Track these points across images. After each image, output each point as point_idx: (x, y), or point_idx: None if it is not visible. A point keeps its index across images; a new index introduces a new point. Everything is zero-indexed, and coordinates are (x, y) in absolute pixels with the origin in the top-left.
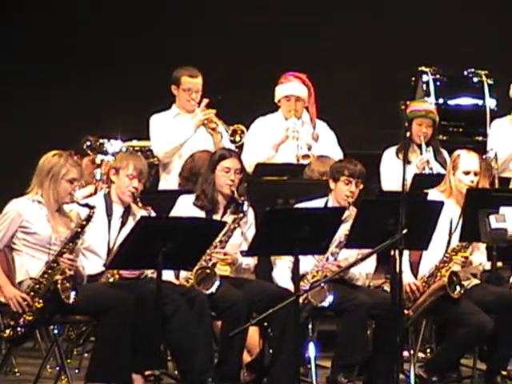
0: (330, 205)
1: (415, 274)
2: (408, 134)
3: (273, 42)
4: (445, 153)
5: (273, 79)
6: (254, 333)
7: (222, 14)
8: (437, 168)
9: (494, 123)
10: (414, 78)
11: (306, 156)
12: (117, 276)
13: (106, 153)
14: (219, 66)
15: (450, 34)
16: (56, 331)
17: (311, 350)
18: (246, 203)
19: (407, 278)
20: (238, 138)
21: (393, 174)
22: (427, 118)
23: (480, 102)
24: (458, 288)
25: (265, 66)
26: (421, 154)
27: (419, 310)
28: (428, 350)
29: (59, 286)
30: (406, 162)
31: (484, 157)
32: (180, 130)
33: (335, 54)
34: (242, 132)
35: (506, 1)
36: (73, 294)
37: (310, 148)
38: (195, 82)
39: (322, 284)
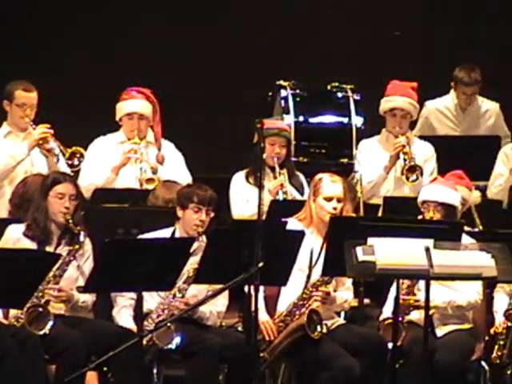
0: (177, 235)
1: (271, 312)
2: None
3: (118, 54)
4: (301, 176)
5: (116, 95)
6: (92, 378)
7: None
8: (291, 192)
9: (362, 144)
10: (270, 94)
11: (150, 180)
12: None
13: None
14: (57, 81)
15: (311, 44)
16: None
17: None
18: (82, 233)
19: (262, 316)
20: (76, 162)
21: (243, 200)
22: (280, 136)
23: (345, 120)
24: (318, 328)
25: (109, 81)
26: (274, 177)
27: (276, 352)
28: None
29: None
30: (261, 186)
31: (348, 179)
32: (11, 151)
33: (183, 67)
34: (81, 155)
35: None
36: None
37: (155, 171)
38: (30, 97)
39: (169, 324)
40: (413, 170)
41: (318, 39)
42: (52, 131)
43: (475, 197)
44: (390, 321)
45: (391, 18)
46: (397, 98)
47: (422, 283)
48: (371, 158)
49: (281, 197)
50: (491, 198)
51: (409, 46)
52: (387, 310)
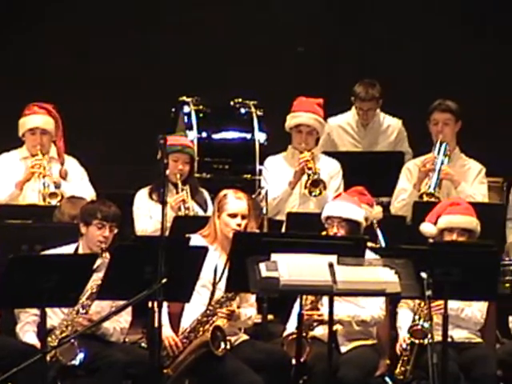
0: (80, 251)
1: (175, 328)
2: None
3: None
4: (205, 192)
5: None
6: None
7: None
8: (194, 208)
9: (268, 160)
10: (174, 110)
11: (53, 194)
12: None
13: None
14: None
15: (216, 59)
16: None
17: None
18: None
19: (166, 332)
20: None
21: (146, 216)
22: (183, 153)
23: (248, 136)
24: (222, 344)
25: (11, 95)
26: (177, 193)
27: (180, 368)
28: None
29: None
30: (164, 202)
31: (253, 196)
32: None
33: (85, 81)
34: None
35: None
36: None
37: (57, 186)
38: None
39: (72, 340)
40: (316, 184)
41: (222, 55)
42: None
43: (377, 212)
44: (293, 336)
45: (296, 34)
46: (302, 114)
47: (325, 298)
48: (277, 175)
49: (183, 212)
50: (395, 214)
51: (315, 62)
52: (291, 326)
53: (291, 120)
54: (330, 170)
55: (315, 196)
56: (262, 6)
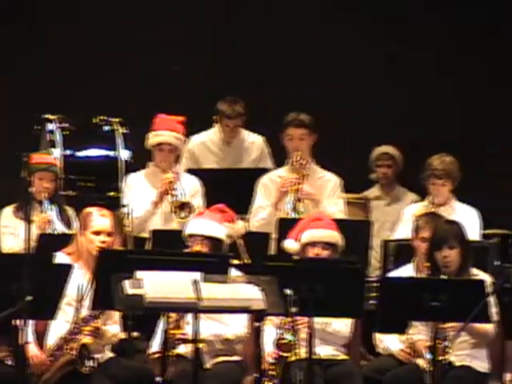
0: None
1: (42, 346)
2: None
3: None
4: (70, 210)
5: None
6: None
7: None
8: (60, 227)
9: (129, 178)
10: (37, 127)
11: None
12: None
13: None
14: None
15: (82, 76)
16: None
17: None
18: None
19: (32, 350)
20: None
21: (12, 234)
22: (49, 171)
23: (112, 154)
24: (87, 362)
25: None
26: (42, 211)
27: None
28: None
29: None
30: (29, 220)
31: (118, 212)
32: None
33: None
34: None
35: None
36: None
37: None
38: None
39: None
40: (183, 207)
41: (87, 71)
42: None
43: (239, 228)
44: (158, 354)
45: (161, 51)
46: (164, 133)
47: (190, 317)
48: (138, 192)
49: (50, 231)
50: (260, 231)
51: (181, 80)
52: (155, 343)
53: (153, 138)
54: (190, 189)
55: (181, 219)
56: (131, 21)
